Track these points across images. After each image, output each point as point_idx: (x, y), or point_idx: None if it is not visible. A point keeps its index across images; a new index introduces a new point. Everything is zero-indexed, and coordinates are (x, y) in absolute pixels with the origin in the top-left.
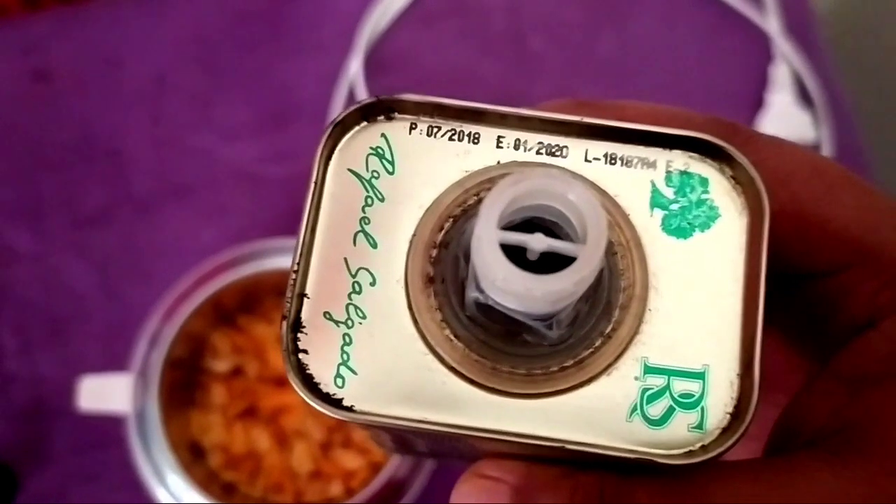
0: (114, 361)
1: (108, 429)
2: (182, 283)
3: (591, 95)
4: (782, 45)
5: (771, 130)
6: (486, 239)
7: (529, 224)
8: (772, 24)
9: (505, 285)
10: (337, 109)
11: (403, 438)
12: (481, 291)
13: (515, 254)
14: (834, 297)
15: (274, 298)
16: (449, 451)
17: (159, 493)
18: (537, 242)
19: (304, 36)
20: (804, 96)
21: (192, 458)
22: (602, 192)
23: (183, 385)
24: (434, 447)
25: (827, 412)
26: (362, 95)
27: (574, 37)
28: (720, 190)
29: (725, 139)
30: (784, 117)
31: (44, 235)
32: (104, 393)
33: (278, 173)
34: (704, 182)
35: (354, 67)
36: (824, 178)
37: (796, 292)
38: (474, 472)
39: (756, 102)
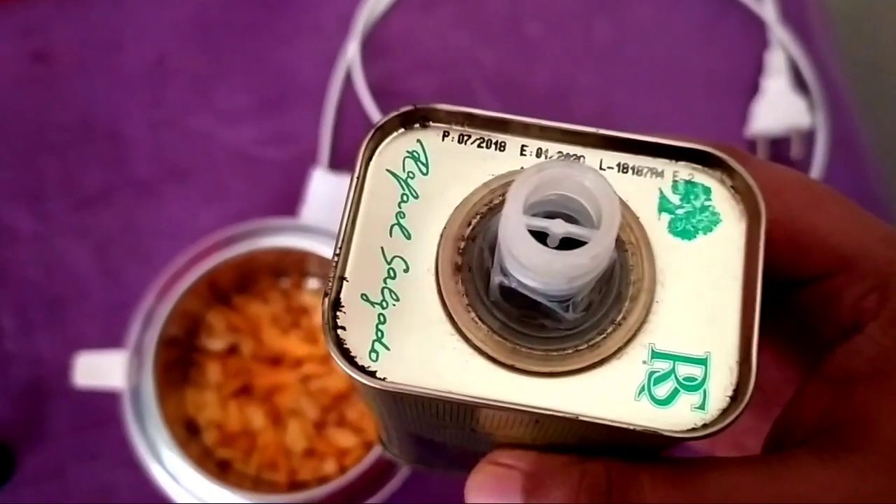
0: (112, 341)
1: (106, 407)
2: (176, 262)
3: (589, 82)
4: (778, 32)
5: (766, 116)
6: (513, 217)
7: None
8: (768, 10)
9: (528, 260)
10: (335, 93)
11: (423, 426)
12: (505, 274)
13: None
14: (822, 304)
15: (269, 278)
16: (464, 441)
17: (154, 469)
18: (558, 227)
19: (302, 19)
20: (799, 82)
21: (188, 435)
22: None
23: (179, 363)
24: (450, 435)
25: (817, 413)
26: (359, 79)
27: (571, 23)
28: (721, 198)
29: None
30: (779, 103)
31: (44, 216)
32: (99, 369)
33: (277, 156)
34: (707, 191)
35: (352, 51)
36: (813, 191)
37: (788, 301)
38: (488, 461)
39: (752, 88)
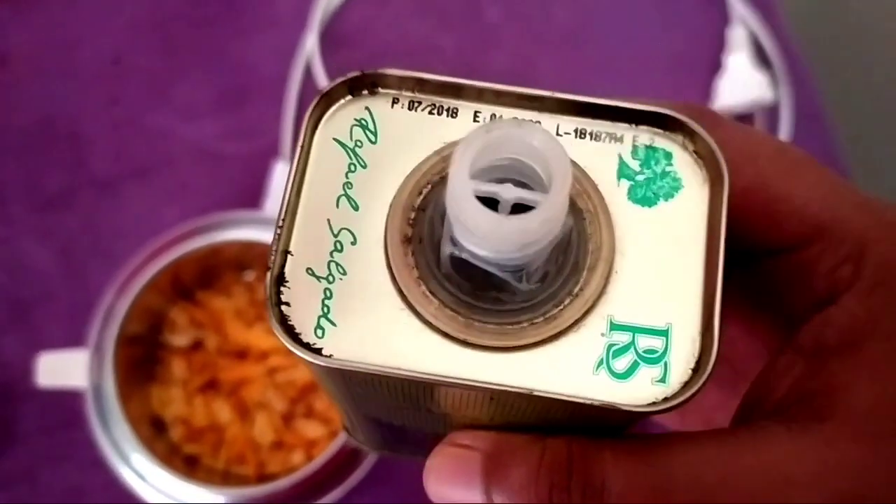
0: (78, 342)
1: (74, 408)
2: (136, 258)
3: (550, 66)
4: (738, 8)
5: (729, 92)
6: (458, 180)
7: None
8: None
9: (475, 226)
10: (294, 86)
11: (378, 408)
12: (455, 244)
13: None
14: (796, 274)
15: (232, 273)
16: (422, 423)
17: (121, 468)
18: (507, 192)
19: (260, 13)
20: (762, 58)
21: (154, 432)
22: (572, 163)
23: (142, 360)
24: (408, 417)
25: (788, 384)
26: (319, 72)
27: (530, 7)
28: (683, 163)
29: (692, 119)
30: (742, 79)
31: (5, 219)
32: (62, 369)
33: (238, 150)
34: (668, 155)
35: (310, 43)
36: (788, 157)
37: (761, 271)
38: (447, 443)
39: (714, 65)
